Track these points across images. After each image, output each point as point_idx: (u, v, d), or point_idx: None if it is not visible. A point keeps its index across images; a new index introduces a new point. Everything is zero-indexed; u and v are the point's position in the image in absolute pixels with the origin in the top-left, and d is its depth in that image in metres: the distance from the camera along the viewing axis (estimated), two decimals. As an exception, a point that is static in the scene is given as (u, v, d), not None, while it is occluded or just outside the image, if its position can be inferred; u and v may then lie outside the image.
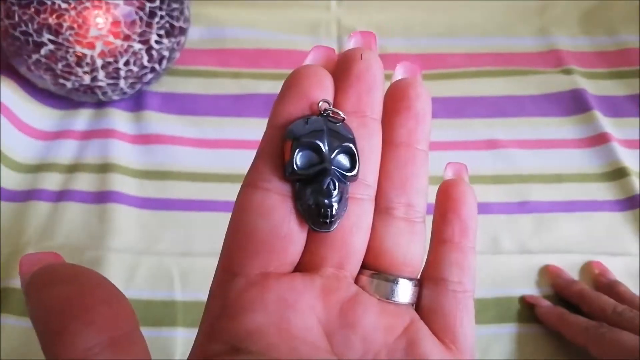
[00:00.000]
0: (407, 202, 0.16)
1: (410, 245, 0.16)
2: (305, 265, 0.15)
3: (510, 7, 0.55)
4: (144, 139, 0.43)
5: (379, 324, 0.15)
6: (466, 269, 0.16)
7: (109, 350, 0.12)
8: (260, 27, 0.53)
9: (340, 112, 0.15)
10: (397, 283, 0.15)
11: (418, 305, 0.16)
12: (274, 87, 0.48)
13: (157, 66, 0.43)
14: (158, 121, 0.44)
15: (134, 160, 0.42)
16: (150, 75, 0.43)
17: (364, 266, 0.15)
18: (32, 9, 0.38)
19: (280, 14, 0.54)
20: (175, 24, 0.42)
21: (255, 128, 0.45)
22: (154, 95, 0.47)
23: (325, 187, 0.14)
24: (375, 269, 0.15)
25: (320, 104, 0.15)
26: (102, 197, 0.39)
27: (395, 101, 0.16)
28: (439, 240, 0.16)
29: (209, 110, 0.46)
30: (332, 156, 0.15)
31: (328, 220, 0.14)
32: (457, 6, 0.55)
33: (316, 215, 0.14)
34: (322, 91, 0.15)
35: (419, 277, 0.16)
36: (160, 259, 0.36)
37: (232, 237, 0.15)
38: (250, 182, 0.15)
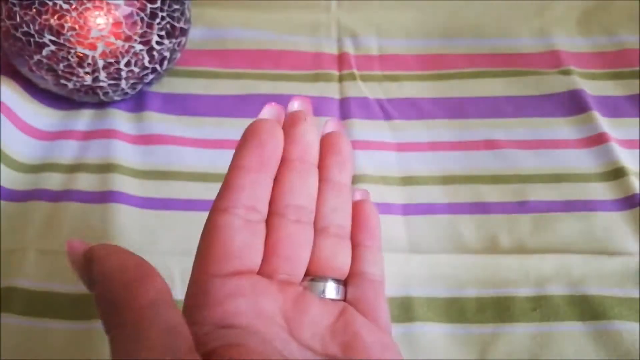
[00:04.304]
0: (338, 223, 0.21)
1: (340, 255, 0.21)
2: (263, 274, 0.20)
3: (509, 8, 0.55)
4: (145, 140, 0.43)
5: (321, 311, 0.20)
6: (378, 263, 0.21)
7: (164, 305, 0.16)
8: (261, 27, 0.53)
9: None
10: (326, 284, 0.20)
11: (347, 297, 0.21)
12: (275, 88, 0.48)
13: (158, 67, 0.43)
14: (159, 122, 0.45)
15: (135, 161, 0.42)
16: (151, 76, 0.43)
17: (306, 273, 0.20)
18: (34, 10, 0.38)
19: (281, 15, 0.54)
20: (176, 24, 0.43)
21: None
22: (155, 96, 0.47)
23: None
24: (313, 274, 0.20)
25: None
26: (103, 197, 0.39)
27: (328, 149, 0.22)
28: (356, 244, 0.21)
29: (210, 111, 0.46)
30: None
31: None
32: (457, 7, 0.55)
33: None
34: (276, 142, 0.20)
35: (344, 276, 0.21)
36: (161, 258, 0.36)
37: (209, 247, 0.19)
38: (223, 208, 0.19)
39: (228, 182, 0.19)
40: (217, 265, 0.18)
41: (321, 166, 0.22)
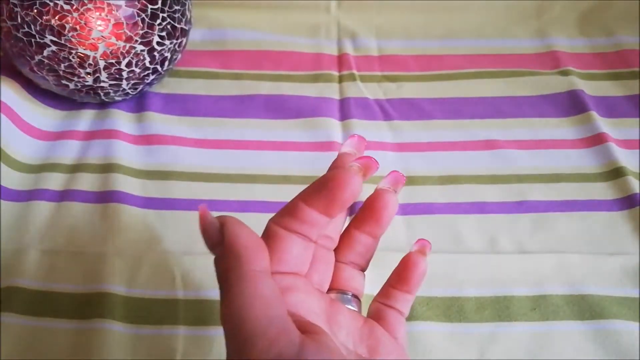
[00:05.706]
0: (357, 262, 0.25)
1: (354, 280, 0.25)
2: None
3: (508, 9, 0.56)
4: (146, 140, 0.44)
5: (350, 316, 0.23)
6: (407, 305, 0.25)
7: (270, 275, 0.20)
8: (261, 28, 0.54)
9: None
10: (349, 297, 0.24)
11: (372, 314, 0.25)
12: (274, 88, 0.49)
13: (159, 67, 0.43)
14: (160, 122, 0.45)
15: (136, 161, 0.42)
16: (152, 77, 0.44)
17: (329, 289, 0.25)
18: (35, 11, 0.39)
19: (281, 16, 0.54)
20: (177, 25, 0.43)
21: (255, 128, 0.46)
22: (156, 96, 0.47)
23: None
24: (337, 289, 0.25)
25: None
26: (105, 196, 0.39)
27: (373, 212, 0.24)
28: (397, 287, 0.25)
29: (210, 111, 0.46)
30: None
31: None
32: (456, 8, 0.56)
33: None
34: (348, 197, 0.22)
35: (360, 296, 0.25)
36: (162, 258, 0.36)
37: (271, 250, 0.22)
38: (284, 227, 0.22)
39: (295, 210, 0.22)
40: (277, 265, 0.22)
41: (361, 220, 0.25)
